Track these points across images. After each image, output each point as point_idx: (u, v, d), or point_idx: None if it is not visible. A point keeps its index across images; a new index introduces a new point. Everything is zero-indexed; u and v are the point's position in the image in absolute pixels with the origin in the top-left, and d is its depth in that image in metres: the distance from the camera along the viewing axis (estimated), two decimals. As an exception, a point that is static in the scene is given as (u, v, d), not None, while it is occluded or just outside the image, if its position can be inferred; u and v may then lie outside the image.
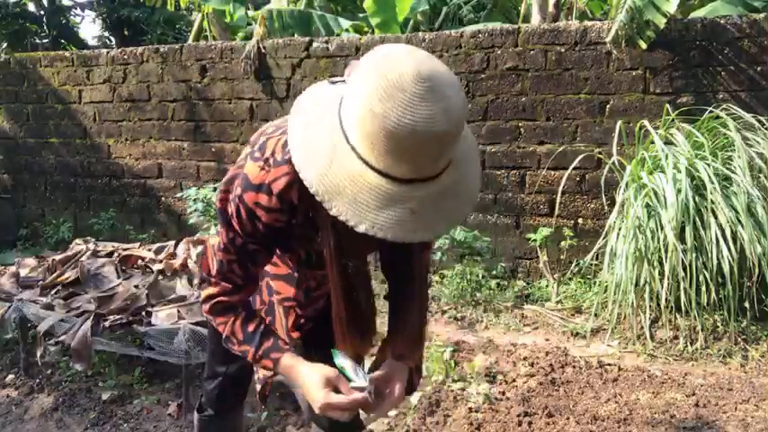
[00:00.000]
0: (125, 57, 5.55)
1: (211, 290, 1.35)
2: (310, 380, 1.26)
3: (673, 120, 3.78)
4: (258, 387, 1.50)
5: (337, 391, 1.25)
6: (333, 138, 1.10)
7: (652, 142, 3.66)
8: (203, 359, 2.41)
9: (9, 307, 3.22)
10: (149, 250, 3.63)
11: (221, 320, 1.34)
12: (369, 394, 1.23)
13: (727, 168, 3.47)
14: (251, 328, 1.33)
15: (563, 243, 4.22)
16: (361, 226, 1.06)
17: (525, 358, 3.28)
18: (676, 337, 3.45)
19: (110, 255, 3.62)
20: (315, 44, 4.89)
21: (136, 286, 3.25)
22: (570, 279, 4.31)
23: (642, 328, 3.51)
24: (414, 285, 1.39)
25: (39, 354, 3.02)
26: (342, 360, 1.30)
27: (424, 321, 1.42)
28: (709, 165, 3.42)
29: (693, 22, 4.04)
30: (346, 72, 1.25)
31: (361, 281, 1.40)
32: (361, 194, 1.06)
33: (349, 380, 1.27)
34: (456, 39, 4.50)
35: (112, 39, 14.03)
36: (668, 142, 3.68)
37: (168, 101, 5.42)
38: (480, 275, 4.19)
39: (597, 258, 3.99)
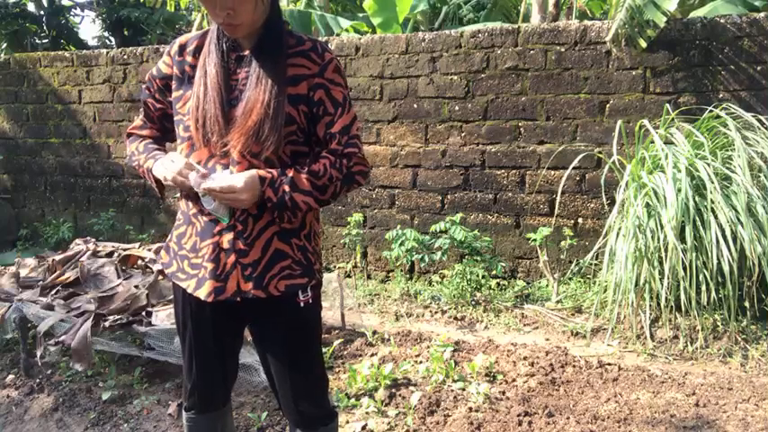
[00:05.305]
0: (125, 57, 5.56)
1: (130, 129, 1.87)
2: (176, 161, 1.62)
3: (673, 119, 3.78)
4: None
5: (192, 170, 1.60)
6: None
7: (652, 142, 3.66)
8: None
9: (9, 307, 3.22)
10: (149, 250, 3.64)
11: (133, 143, 1.82)
12: (198, 172, 1.58)
13: (727, 168, 3.47)
14: (147, 145, 1.80)
15: (563, 243, 4.22)
16: None
17: (525, 358, 3.28)
18: (676, 337, 3.46)
19: (110, 255, 3.63)
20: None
21: (136, 286, 3.26)
22: (570, 279, 4.31)
23: (642, 327, 3.51)
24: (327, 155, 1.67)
25: (39, 354, 3.02)
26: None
27: (319, 172, 1.63)
28: (709, 164, 3.42)
29: (693, 22, 4.03)
30: None
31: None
32: None
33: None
34: (456, 38, 4.50)
35: (112, 39, 14.04)
36: (668, 142, 3.68)
37: (168, 101, 5.42)
38: (480, 275, 4.19)
39: (597, 258, 3.99)
